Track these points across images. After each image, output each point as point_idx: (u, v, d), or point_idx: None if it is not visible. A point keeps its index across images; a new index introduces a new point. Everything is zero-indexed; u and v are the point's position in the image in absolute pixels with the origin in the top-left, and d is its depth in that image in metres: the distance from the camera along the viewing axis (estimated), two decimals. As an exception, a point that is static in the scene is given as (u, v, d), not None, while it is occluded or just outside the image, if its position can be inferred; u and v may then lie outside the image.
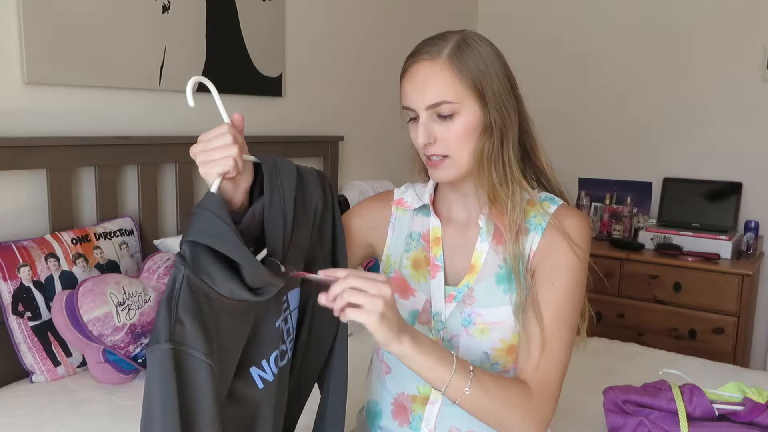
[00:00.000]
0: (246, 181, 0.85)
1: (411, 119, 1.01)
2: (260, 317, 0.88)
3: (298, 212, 0.88)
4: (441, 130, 0.98)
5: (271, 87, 2.29)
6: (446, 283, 1.05)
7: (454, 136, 0.97)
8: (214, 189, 0.79)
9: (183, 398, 0.76)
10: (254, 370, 0.89)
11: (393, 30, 2.85)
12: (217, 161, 0.79)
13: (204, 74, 1.99)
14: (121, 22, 1.78)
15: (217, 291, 0.78)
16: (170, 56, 1.91)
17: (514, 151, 1.01)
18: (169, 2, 1.90)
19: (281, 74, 2.31)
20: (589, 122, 3.24)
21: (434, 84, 0.96)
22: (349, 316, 0.83)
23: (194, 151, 0.81)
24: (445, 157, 0.99)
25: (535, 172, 1.08)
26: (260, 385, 0.89)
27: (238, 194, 0.84)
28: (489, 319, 1.01)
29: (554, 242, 1.01)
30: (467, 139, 0.97)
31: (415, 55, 0.99)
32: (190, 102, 0.83)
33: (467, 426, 1.03)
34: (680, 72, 3.00)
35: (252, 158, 0.86)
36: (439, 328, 1.04)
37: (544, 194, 1.06)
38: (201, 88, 0.84)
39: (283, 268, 0.85)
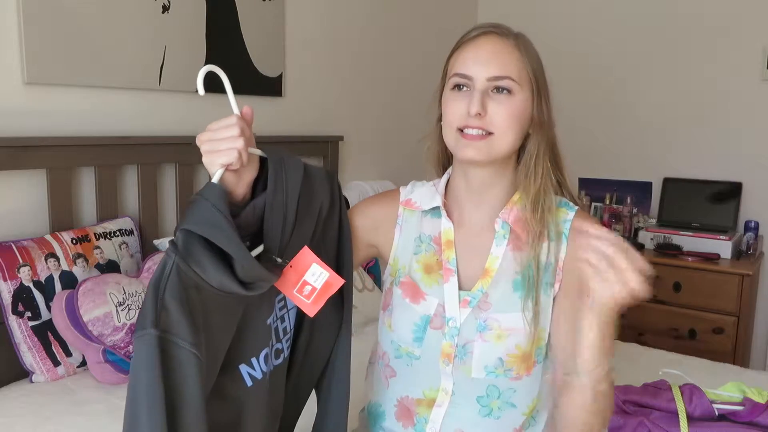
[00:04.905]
0: (250, 175, 0.85)
1: (455, 86, 1.00)
2: (251, 314, 0.87)
3: (301, 211, 0.87)
4: (493, 105, 0.97)
5: (271, 87, 2.29)
6: (459, 288, 1.03)
7: (506, 114, 0.97)
8: (215, 179, 0.79)
9: (168, 389, 0.74)
10: (243, 368, 0.88)
11: (393, 30, 2.85)
12: (222, 152, 0.79)
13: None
14: (121, 22, 1.77)
15: (208, 282, 0.77)
16: (170, 56, 1.91)
17: (549, 157, 1.03)
18: (169, 2, 1.90)
19: (281, 74, 2.31)
20: (588, 122, 3.24)
21: (503, 58, 0.97)
22: None
23: (201, 139, 0.81)
24: (488, 134, 0.97)
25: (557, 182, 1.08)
26: (249, 383, 0.88)
27: (241, 187, 0.84)
28: (506, 325, 1.00)
29: (577, 250, 1.01)
30: (515, 121, 0.98)
31: (482, 28, 1.01)
32: (201, 91, 0.82)
33: (473, 429, 1.02)
34: (680, 72, 3.00)
35: (258, 152, 0.86)
36: (454, 334, 1.01)
37: (558, 198, 1.05)
38: (207, 88, 0.84)
39: (279, 261, 0.84)
